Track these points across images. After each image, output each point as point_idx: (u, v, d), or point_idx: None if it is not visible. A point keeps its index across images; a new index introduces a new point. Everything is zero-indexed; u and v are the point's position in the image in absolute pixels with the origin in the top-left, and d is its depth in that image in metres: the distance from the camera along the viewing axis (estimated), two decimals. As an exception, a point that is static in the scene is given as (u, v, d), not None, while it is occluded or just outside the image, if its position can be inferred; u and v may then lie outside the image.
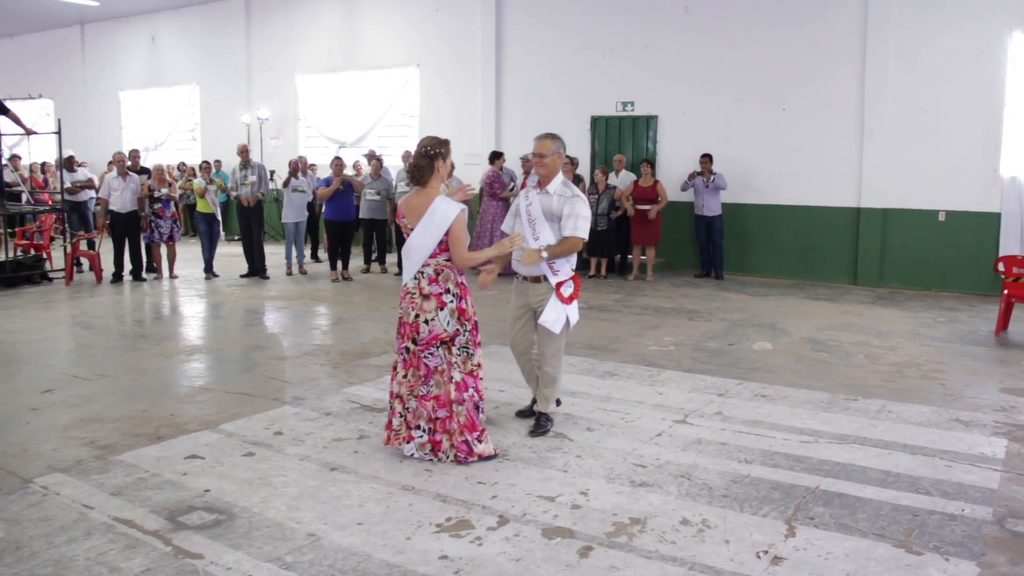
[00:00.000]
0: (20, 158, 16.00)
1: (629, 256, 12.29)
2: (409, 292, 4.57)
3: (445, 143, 4.58)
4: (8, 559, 3.40)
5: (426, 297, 4.50)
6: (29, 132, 12.31)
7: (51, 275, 11.65)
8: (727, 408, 5.58)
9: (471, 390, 4.53)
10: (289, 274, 12.29)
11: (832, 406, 5.65)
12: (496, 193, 11.98)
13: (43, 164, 16.96)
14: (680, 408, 5.57)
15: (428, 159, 4.50)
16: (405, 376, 4.60)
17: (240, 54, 17.72)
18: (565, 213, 4.86)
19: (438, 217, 4.43)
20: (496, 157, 12.26)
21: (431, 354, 4.52)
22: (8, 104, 11.72)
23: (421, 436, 4.57)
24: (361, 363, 6.86)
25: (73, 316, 9.11)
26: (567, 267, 4.95)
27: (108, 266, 11.75)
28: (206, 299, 10.28)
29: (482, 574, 3.31)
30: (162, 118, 19.38)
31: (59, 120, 12.71)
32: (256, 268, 12.01)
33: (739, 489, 4.18)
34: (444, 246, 4.49)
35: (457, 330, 4.50)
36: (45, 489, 4.14)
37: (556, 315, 4.86)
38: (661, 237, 11.94)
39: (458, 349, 4.51)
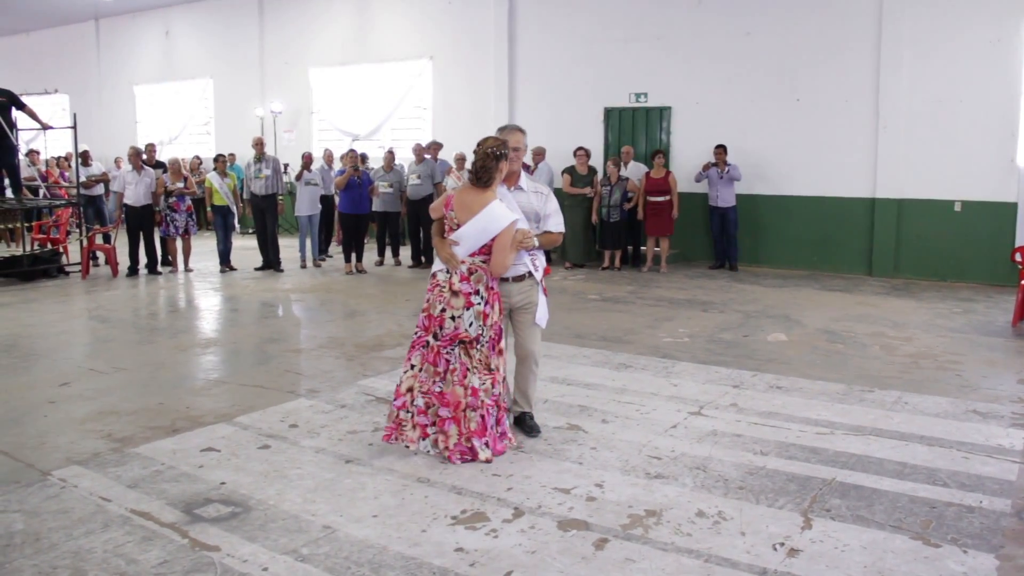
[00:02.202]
0: (39, 153, 16.11)
1: (643, 247, 12.27)
2: (439, 284, 4.51)
3: (506, 144, 4.54)
4: (27, 551, 3.44)
5: (455, 294, 4.45)
6: (45, 127, 12.38)
7: (67, 269, 11.73)
8: (742, 400, 5.56)
9: (486, 395, 4.42)
10: (303, 267, 12.33)
11: (848, 397, 5.62)
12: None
13: (58, 159, 17.06)
14: (695, 400, 5.55)
15: (495, 159, 4.45)
16: (420, 370, 4.49)
17: (253, 47, 17.75)
18: (550, 210, 4.81)
19: (489, 222, 4.39)
20: None
21: (450, 352, 4.46)
22: (25, 99, 11.80)
23: (433, 433, 4.46)
24: (375, 355, 6.88)
25: (89, 310, 9.18)
26: (543, 260, 4.87)
27: (124, 260, 11.83)
28: (221, 292, 10.33)
29: (497, 566, 3.31)
30: (176, 112, 19.45)
31: (75, 115, 12.76)
32: (271, 261, 12.09)
33: (755, 481, 4.16)
34: (485, 249, 4.46)
35: (479, 334, 4.45)
36: (63, 481, 4.18)
37: (544, 311, 4.84)
38: (675, 228, 11.91)
39: (478, 354, 4.45)
